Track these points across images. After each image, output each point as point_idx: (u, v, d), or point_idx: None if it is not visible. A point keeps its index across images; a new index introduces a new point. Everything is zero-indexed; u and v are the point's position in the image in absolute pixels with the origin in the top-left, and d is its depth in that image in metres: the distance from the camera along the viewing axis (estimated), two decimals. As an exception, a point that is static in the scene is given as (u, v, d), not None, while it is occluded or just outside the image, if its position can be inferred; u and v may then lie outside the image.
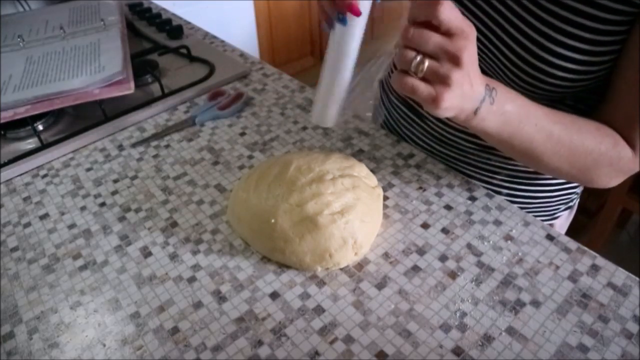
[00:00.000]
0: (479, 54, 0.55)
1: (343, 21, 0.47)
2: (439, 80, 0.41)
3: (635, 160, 0.52)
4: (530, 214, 0.66)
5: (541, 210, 0.69)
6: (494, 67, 0.55)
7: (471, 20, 0.54)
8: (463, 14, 0.54)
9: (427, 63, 0.40)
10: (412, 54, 0.41)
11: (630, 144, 0.51)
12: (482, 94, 0.44)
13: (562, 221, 0.74)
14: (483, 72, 0.58)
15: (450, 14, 0.39)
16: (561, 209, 0.71)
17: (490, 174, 0.65)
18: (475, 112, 0.44)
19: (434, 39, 0.40)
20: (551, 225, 0.72)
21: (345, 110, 0.52)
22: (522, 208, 0.67)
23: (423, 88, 0.41)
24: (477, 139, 0.62)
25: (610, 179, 0.54)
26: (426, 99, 0.42)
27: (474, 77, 0.42)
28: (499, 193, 0.66)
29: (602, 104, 0.53)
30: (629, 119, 0.50)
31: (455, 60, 0.40)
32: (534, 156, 0.51)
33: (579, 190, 0.70)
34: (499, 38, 0.53)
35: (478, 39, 0.55)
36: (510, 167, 0.64)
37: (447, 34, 0.40)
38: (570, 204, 0.72)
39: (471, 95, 0.43)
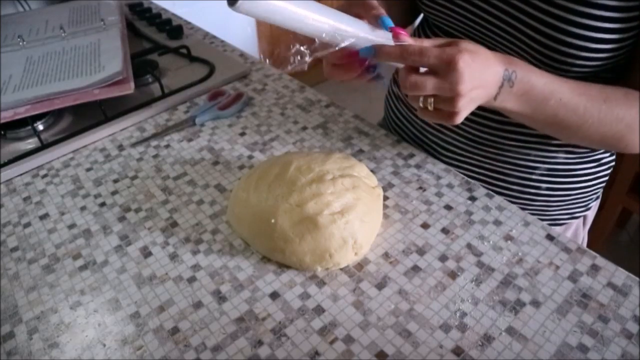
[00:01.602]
0: (503, 44, 0.55)
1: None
2: (447, 107, 0.45)
3: None
4: (569, 207, 0.66)
5: (578, 201, 0.69)
6: (521, 52, 0.54)
7: (488, 9, 0.54)
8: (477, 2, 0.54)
9: (430, 100, 0.46)
10: (416, 96, 0.47)
11: None
12: (498, 83, 0.46)
13: (592, 212, 0.74)
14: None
15: (433, 57, 0.43)
16: (593, 199, 0.71)
17: (529, 170, 0.64)
18: (495, 97, 0.47)
19: (428, 84, 0.44)
20: (585, 216, 0.73)
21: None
22: (561, 202, 0.67)
23: (436, 118, 0.47)
24: (516, 135, 0.61)
25: None
26: (442, 122, 0.47)
27: (482, 80, 0.44)
28: (539, 188, 0.65)
29: (628, 70, 0.53)
30: None
31: (453, 92, 0.43)
32: (560, 129, 0.52)
33: (606, 178, 0.70)
34: (520, 21, 0.52)
35: (500, 28, 0.54)
36: (549, 160, 0.63)
37: (439, 70, 0.44)
38: (599, 193, 0.72)
39: (485, 94, 0.46)
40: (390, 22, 0.47)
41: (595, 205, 0.74)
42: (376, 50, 0.45)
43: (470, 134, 0.64)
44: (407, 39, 0.45)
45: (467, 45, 0.44)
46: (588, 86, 0.50)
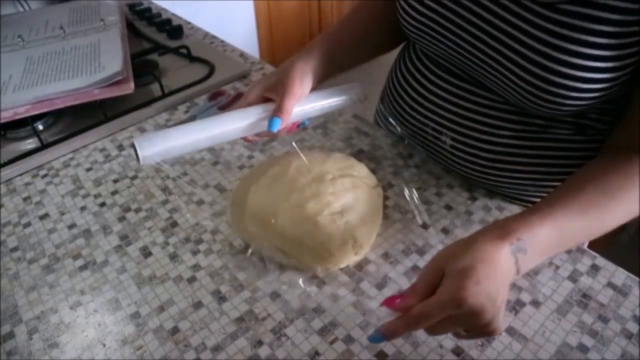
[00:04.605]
0: (490, 79, 0.51)
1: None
2: (481, 334, 0.40)
3: None
4: None
5: None
6: (510, 91, 0.50)
7: (476, 45, 0.50)
8: (460, 34, 0.51)
9: (459, 329, 0.40)
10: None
11: None
12: (511, 264, 0.40)
13: None
14: (500, 96, 0.52)
15: (438, 311, 0.37)
16: None
17: (529, 205, 0.61)
18: (517, 273, 0.41)
19: (451, 328, 0.39)
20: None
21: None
22: None
23: (473, 338, 0.43)
24: (509, 172, 0.57)
25: None
26: (481, 338, 0.44)
27: (499, 283, 0.38)
28: None
29: (622, 120, 0.50)
30: None
31: (479, 323, 0.38)
32: (591, 238, 0.47)
33: None
34: (508, 59, 0.48)
35: (487, 63, 0.50)
36: (548, 193, 0.58)
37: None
38: None
39: (506, 285, 0.40)
40: (277, 125, 0.49)
41: None
42: (385, 336, 0.39)
43: (463, 171, 0.61)
44: (407, 301, 0.39)
45: (457, 266, 0.38)
46: (587, 192, 0.45)
